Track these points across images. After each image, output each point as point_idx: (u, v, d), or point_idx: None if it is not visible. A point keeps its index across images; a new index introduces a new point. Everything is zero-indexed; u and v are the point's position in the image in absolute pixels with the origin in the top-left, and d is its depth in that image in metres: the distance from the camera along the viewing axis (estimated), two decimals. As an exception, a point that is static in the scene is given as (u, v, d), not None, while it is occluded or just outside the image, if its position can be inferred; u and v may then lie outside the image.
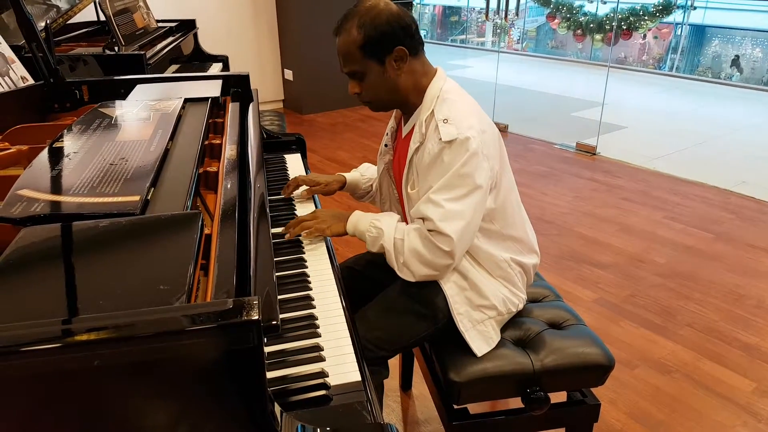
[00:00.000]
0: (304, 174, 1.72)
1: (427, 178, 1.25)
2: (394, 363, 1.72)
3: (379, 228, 1.30)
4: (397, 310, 1.35)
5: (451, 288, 1.32)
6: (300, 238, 1.38)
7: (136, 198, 0.94)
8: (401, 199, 1.44)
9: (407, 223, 1.36)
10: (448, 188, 1.22)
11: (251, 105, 1.77)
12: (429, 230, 1.23)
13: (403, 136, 1.40)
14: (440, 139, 1.21)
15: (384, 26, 1.24)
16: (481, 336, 1.33)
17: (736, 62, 10.36)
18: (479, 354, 1.32)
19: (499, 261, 1.34)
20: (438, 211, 1.21)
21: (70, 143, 1.20)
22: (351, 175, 1.65)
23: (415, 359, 1.90)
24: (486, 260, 1.34)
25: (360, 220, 1.35)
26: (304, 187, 1.63)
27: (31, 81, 1.76)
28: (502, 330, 1.40)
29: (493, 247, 1.34)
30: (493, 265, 1.34)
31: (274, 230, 1.33)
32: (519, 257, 1.38)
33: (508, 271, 1.36)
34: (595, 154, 4.18)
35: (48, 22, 2.34)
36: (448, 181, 1.22)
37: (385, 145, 1.49)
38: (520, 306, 1.41)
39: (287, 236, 1.37)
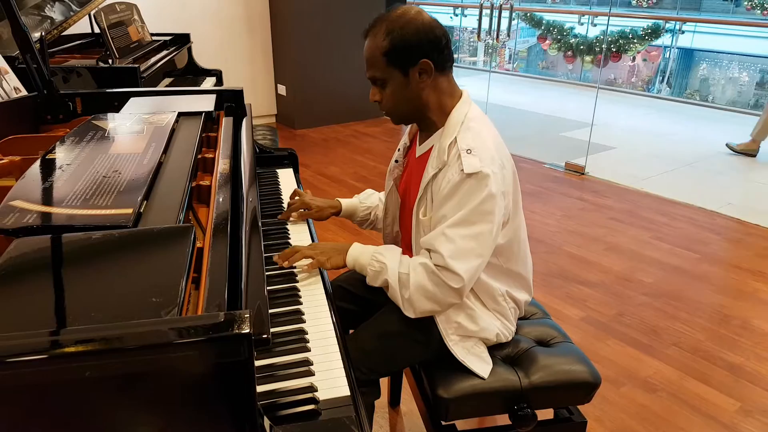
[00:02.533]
0: (297, 188, 1.71)
1: (442, 207, 1.21)
2: (383, 379, 1.72)
3: (382, 263, 1.25)
4: (392, 335, 1.34)
5: (445, 318, 1.31)
6: (297, 270, 1.33)
7: (129, 211, 0.94)
8: (403, 218, 1.42)
9: (411, 246, 1.34)
10: (464, 224, 1.18)
11: (245, 120, 1.78)
12: (437, 265, 1.19)
13: (417, 156, 1.36)
14: (462, 170, 1.17)
15: (412, 36, 1.19)
16: (478, 359, 1.33)
17: (666, 79, 10.92)
18: (486, 376, 1.31)
19: (496, 295, 1.34)
20: (449, 247, 1.17)
21: (63, 155, 1.20)
22: (348, 202, 1.60)
23: (404, 375, 1.90)
24: (483, 292, 1.33)
25: (361, 254, 1.30)
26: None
27: (24, 92, 1.76)
28: (491, 347, 1.41)
29: (493, 279, 1.33)
30: (489, 297, 1.34)
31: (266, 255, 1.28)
32: (514, 292, 1.38)
33: (503, 304, 1.35)
34: (583, 173, 4.22)
35: (42, 33, 2.35)
36: (465, 217, 1.18)
37: (396, 161, 1.46)
38: (510, 338, 1.41)
39: (285, 263, 1.31)
